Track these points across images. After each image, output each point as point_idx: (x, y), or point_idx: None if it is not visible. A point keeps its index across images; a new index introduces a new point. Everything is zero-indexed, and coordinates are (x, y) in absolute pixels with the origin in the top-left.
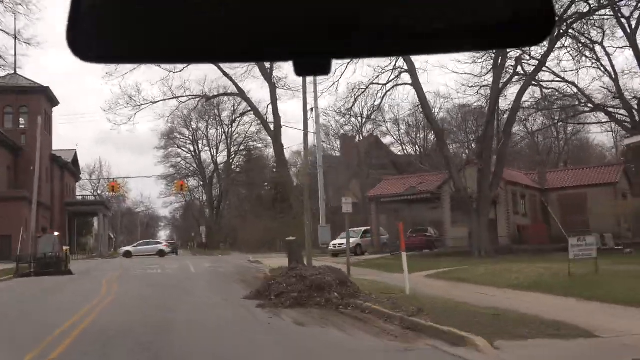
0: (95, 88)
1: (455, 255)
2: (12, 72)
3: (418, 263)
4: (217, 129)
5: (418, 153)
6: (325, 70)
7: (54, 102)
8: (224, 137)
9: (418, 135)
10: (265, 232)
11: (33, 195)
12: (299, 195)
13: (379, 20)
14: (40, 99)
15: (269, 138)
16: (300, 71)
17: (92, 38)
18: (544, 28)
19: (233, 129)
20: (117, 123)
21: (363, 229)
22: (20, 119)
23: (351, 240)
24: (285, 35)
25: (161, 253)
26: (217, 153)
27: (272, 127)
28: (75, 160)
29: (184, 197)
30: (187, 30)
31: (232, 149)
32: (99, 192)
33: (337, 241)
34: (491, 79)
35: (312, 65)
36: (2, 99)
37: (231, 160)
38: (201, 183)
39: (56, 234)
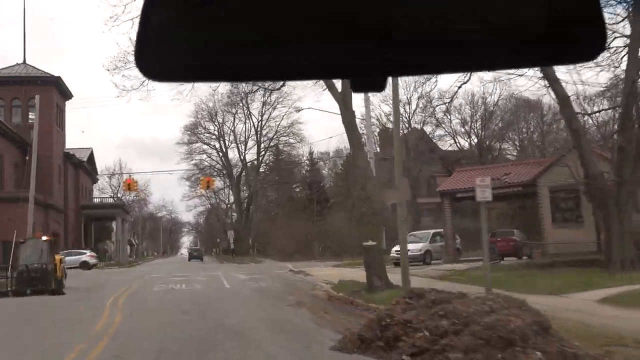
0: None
1: (575, 265)
2: (22, 61)
3: (539, 279)
4: (245, 123)
5: (474, 144)
6: (381, 86)
7: (66, 94)
8: (253, 131)
9: (474, 125)
10: (300, 236)
11: (30, 192)
12: (360, 189)
13: (433, 37)
14: (51, 91)
15: (302, 132)
16: (357, 88)
17: (159, 58)
18: (597, 42)
19: (263, 122)
20: (125, 88)
21: (432, 231)
22: (30, 114)
23: (418, 245)
24: (344, 56)
25: (84, 265)
26: (245, 150)
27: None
28: (91, 159)
29: (209, 200)
30: (252, 51)
31: (262, 144)
32: (118, 195)
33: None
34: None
35: (369, 82)
36: (9, 90)
37: (261, 158)
38: (227, 184)
39: (44, 238)
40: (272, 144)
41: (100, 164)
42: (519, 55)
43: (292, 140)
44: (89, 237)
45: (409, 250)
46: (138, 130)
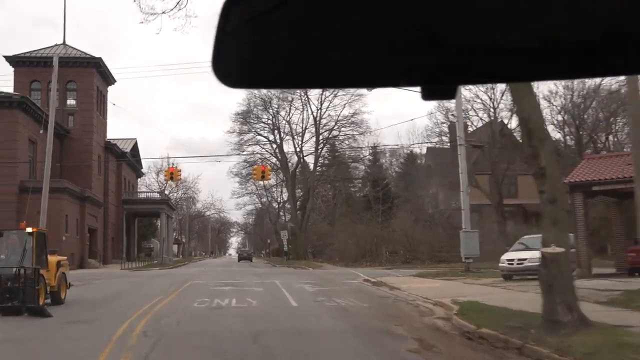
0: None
1: None
2: (61, 42)
3: None
4: (302, 112)
5: (568, 136)
6: (451, 95)
7: (108, 79)
8: (310, 121)
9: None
10: (364, 239)
11: (44, 175)
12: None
13: (506, 45)
14: (91, 74)
15: (367, 122)
16: (427, 96)
17: (235, 66)
18: None
19: (323, 111)
20: (153, 11)
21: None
22: (68, 100)
23: (532, 253)
24: (414, 64)
25: None
26: (302, 142)
27: None
28: (135, 151)
29: (259, 198)
30: (326, 59)
31: (321, 136)
32: (165, 192)
33: (513, 255)
34: None
35: (439, 91)
36: (46, 72)
37: (319, 151)
38: (282, 179)
39: (29, 230)
40: (331, 134)
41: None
42: (598, 63)
43: (354, 132)
44: (131, 234)
45: (524, 260)
46: (186, 130)
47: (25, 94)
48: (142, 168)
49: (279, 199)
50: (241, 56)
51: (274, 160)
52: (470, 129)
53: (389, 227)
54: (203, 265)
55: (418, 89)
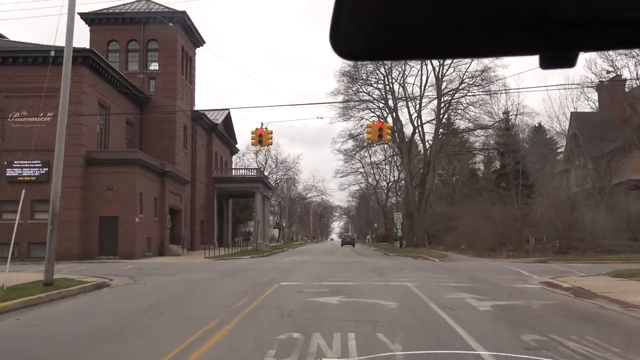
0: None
1: None
2: None
3: None
4: (420, 70)
5: None
6: (571, 62)
7: (196, 39)
8: (431, 78)
9: None
10: (502, 224)
11: (56, 144)
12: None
13: (626, 13)
14: (175, 32)
15: (502, 80)
16: (547, 65)
17: (352, 37)
18: None
19: (445, 68)
20: None
21: None
22: (150, 62)
23: None
24: (534, 30)
25: None
26: (420, 107)
27: None
28: (228, 125)
29: (366, 177)
30: (440, 28)
31: (443, 99)
32: (265, 172)
33: None
34: None
35: (559, 58)
36: (125, 31)
37: (442, 116)
38: (393, 153)
39: None
40: (455, 97)
41: (245, 141)
42: None
43: (484, 92)
44: (224, 217)
45: None
46: (287, 115)
47: (103, 56)
48: (236, 143)
49: (388, 177)
50: (359, 28)
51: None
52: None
53: (532, 208)
54: (303, 253)
55: (536, 57)
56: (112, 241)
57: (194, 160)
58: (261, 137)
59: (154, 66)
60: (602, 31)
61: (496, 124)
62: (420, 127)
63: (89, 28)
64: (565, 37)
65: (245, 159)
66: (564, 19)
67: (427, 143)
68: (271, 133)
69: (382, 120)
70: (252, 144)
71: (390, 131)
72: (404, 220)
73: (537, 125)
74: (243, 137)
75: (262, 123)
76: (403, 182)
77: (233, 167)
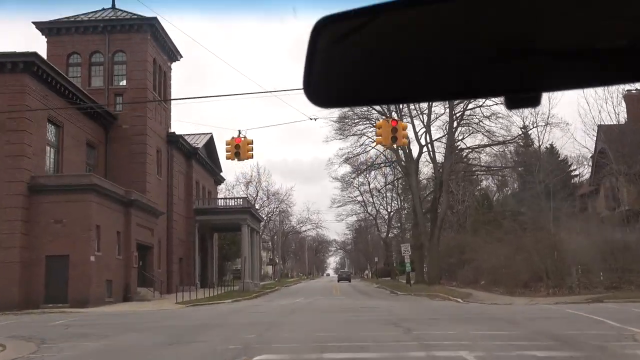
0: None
1: None
2: (110, 6)
3: None
4: None
5: None
6: (535, 102)
7: (170, 52)
8: None
9: None
10: (534, 254)
11: None
12: None
13: (586, 53)
14: (144, 41)
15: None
16: (511, 105)
17: (322, 87)
18: None
19: None
20: None
21: None
22: (116, 76)
23: None
24: (497, 74)
25: None
26: (428, 120)
27: None
28: (210, 150)
29: (364, 207)
30: (403, 76)
31: (455, 110)
32: (256, 206)
33: None
34: None
35: (523, 99)
36: (87, 42)
37: (454, 130)
38: (398, 177)
39: None
40: (468, 107)
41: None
42: None
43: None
44: (208, 253)
45: None
46: (280, 153)
47: (62, 71)
48: (221, 171)
49: (390, 205)
50: (330, 77)
51: (386, 152)
52: None
53: (567, 235)
54: (297, 293)
55: (501, 99)
56: (61, 285)
57: (170, 189)
58: (238, 149)
59: (121, 81)
60: (564, 71)
61: (516, 138)
62: (429, 145)
63: (46, 40)
64: (528, 77)
65: (234, 191)
66: (526, 60)
67: (437, 162)
68: (251, 144)
69: (395, 119)
70: (228, 158)
71: (406, 133)
72: (412, 253)
73: (548, 146)
74: (231, 169)
75: (239, 131)
76: (406, 210)
77: (219, 201)
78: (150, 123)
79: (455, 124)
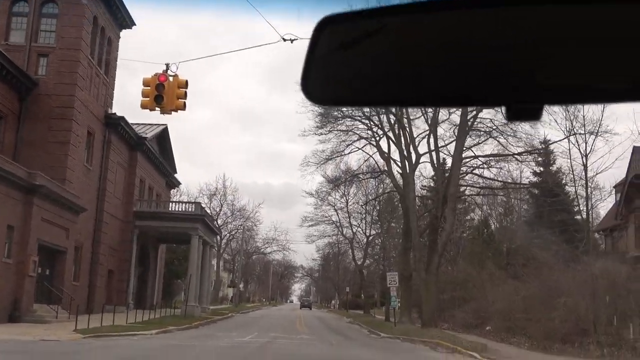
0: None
1: None
2: None
3: None
4: None
5: None
6: (536, 115)
7: (118, 15)
8: None
9: None
10: (575, 295)
11: None
12: None
13: (589, 69)
14: None
15: None
16: (512, 117)
17: (321, 85)
18: None
19: None
20: None
21: None
22: (43, 32)
23: None
24: (500, 84)
25: None
26: (435, 116)
27: None
28: (164, 145)
29: (339, 228)
30: (404, 80)
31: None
32: (218, 222)
33: None
34: None
35: (525, 111)
36: None
37: (468, 128)
38: (387, 191)
39: None
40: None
41: (197, 181)
42: None
43: None
44: (149, 267)
45: None
46: (249, 176)
47: None
48: (175, 172)
49: (370, 228)
50: (330, 75)
51: (372, 160)
52: None
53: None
54: (251, 324)
55: (503, 109)
56: None
57: (103, 183)
58: (162, 91)
59: (49, 38)
60: (569, 84)
61: (537, 151)
62: (434, 152)
63: None
64: (531, 89)
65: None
66: (531, 72)
67: (441, 173)
68: (185, 86)
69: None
70: (144, 106)
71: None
72: (404, 284)
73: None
74: (194, 179)
75: (167, 65)
76: (380, 240)
77: (168, 204)
78: (81, 95)
79: (470, 121)
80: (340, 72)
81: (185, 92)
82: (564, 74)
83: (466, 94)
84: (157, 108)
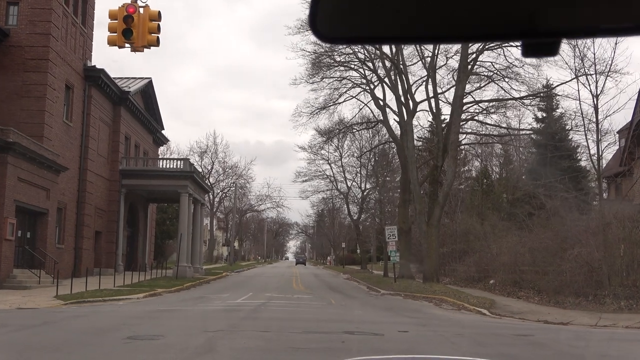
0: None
1: None
2: None
3: None
4: None
5: None
6: (553, 50)
7: None
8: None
9: None
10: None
11: None
12: None
13: None
14: None
15: None
16: (528, 52)
17: (330, 21)
18: None
19: None
20: None
21: None
22: None
23: None
24: (517, 17)
25: None
26: (434, 65)
27: None
28: (149, 100)
29: (334, 183)
30: (415, 14)
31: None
32: (210, 180)
33: None
34: None
35: (541, 46)
36: None
37: (470, 68)
38: (384, 141)
39: None
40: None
41: (188, 138)
42: None
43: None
44: (139, 228)
45: None
46: (241, 134)
47: None
48: (163, 129)
49: (366, 182)
50: (339, 10)
51: (367, 110)
52: None
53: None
54: (245, 284)
55: (518, 43)
56: None
57: (85, 141)
58: (130, 23)
59: None
60: (585, 19)
61: (542, 93)
62: (434, 99)
63: None
64: (546, 23)
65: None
66: (546, 5)
67: (441, 120)
68: (158, 19)
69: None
70: (111, 42)
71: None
72: (404, 239)
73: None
74: (184, 136)
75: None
76: (375, 193)
77: (156, 162)
78: (56, 46)
79: (471, 61)
80: (349, 8)
81: (159, 25)
82: (580, 5)
83: (483, 28)
84: (126, 44)
